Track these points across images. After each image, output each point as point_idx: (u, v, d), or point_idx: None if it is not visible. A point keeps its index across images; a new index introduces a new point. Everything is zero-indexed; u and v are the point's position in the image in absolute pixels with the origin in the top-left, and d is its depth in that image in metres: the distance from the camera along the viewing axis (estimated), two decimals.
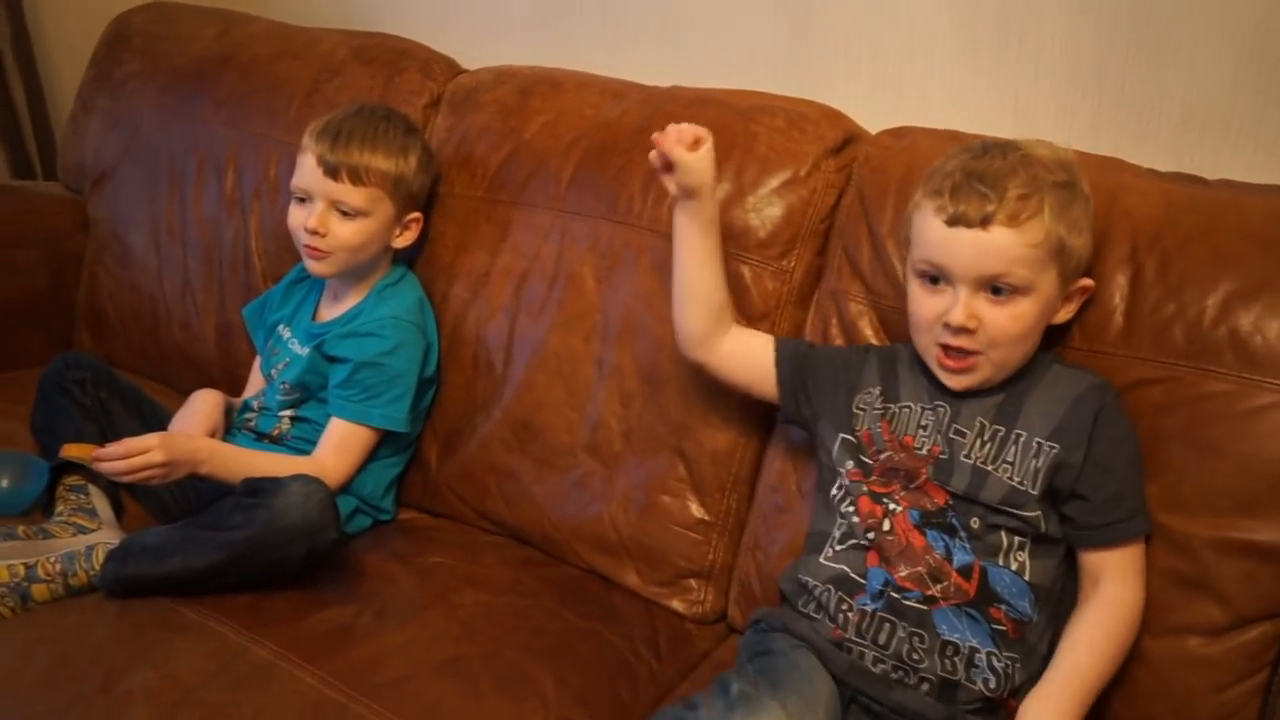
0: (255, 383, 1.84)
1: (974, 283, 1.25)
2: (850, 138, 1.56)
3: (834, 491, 1.34)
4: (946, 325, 1.26)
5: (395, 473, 1.72)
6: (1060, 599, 1.27)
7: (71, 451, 1.56)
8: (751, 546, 1.52)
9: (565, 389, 1.61)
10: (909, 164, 1.47)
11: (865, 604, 1.26)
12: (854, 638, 1.25)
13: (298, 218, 1.65)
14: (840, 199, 1.53)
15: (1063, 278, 1.26)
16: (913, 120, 1.58)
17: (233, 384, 1.89)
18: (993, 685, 1.21)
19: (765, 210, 1.52)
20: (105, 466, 1.47)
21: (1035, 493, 1.24)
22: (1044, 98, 1.60)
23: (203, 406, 1.69)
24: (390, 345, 1.64)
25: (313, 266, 1.66)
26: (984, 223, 1.23)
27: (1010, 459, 1.26)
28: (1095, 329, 1.32)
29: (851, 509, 1.31)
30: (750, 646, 1.31)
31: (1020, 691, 1.22)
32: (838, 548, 1.31)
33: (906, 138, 1.51)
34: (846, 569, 1.29)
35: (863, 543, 1.29)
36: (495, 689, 1.33)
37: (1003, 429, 1.28)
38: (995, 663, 1.22)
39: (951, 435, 1.29)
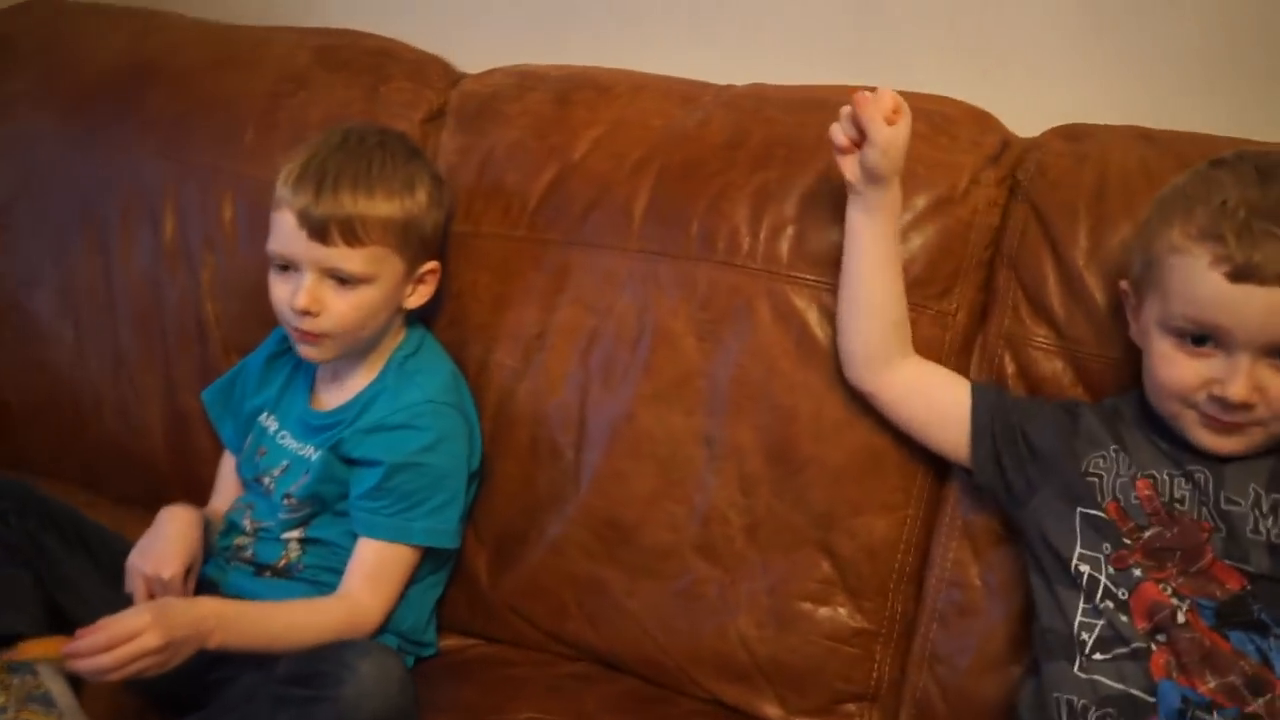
0: (227, 488, 1.43)
1: (1260, 349, 0.98)
2: (1006, 142, 1.26)
3: (1072, 581, 1.05)
4: (1216, 397, 0.99)
5: (438, 594, 1.35)
6: None
7: (33, 652, 1.15)
8: (928, 658, 1.22)
9: (662, 476, 1.27)
10: (1101, 174, 1.19)
11: None
12: None
13: (281, 292, 1.26)
14: (1005, 220, 1.23)
15: None
16: (1019, 110, 1.30)
17: (192, 488, 1.48)
18: None
19: (916, 239, 1.22)
20: (85, 665, 1.06)
21: None
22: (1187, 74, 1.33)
23: (177, 533, 1.28)
24: (430, 439, 1.27)
25: (306, 352, 1.28)
26: None
27: None
28: None
29: (1111, 604, 1.02)
30: None
31: None
32: (1098, 656, 1.02)
33: (1086, 139, 1.23)
34: (1123, 686, 1.00)
35: (1144, 646, 1.00)
36: None
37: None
38: None
39: (1224, 506, 1.02)
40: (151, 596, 1.22)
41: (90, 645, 1.06)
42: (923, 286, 1.21)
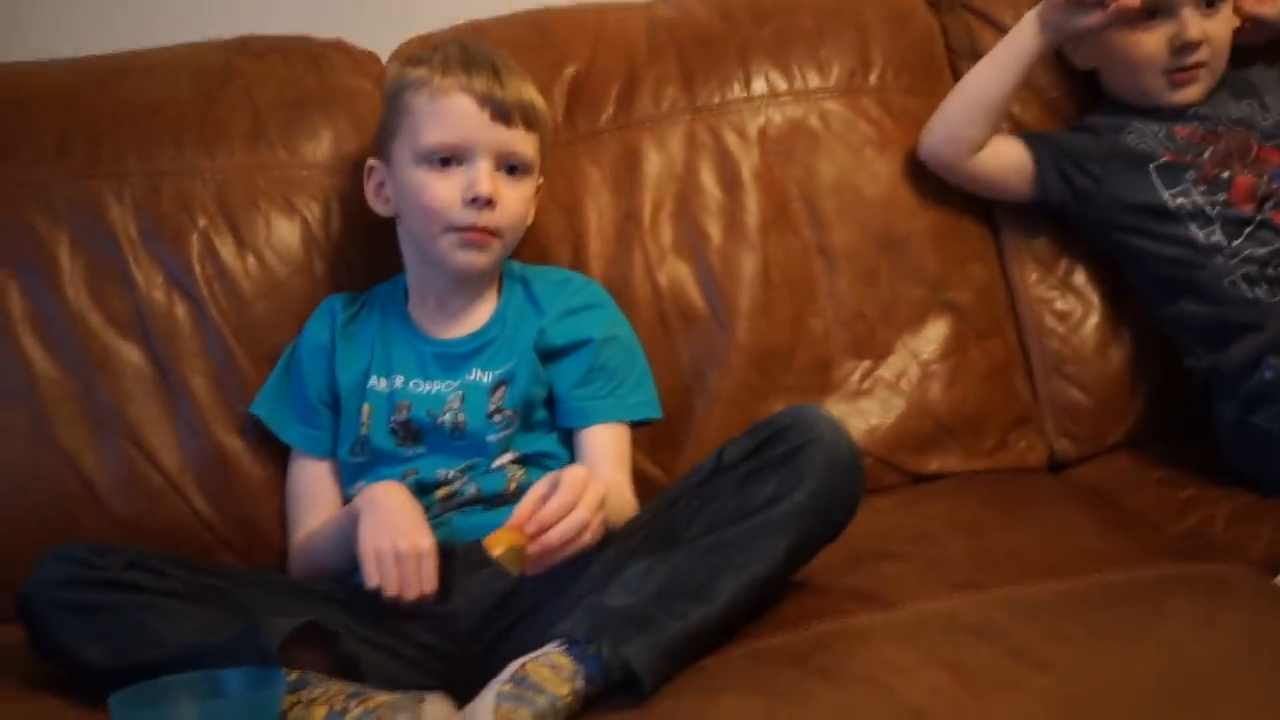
0: (327, 499, 1.22)
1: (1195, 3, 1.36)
2: None
3: (1175, 216, 1.32)
4: (1177, 48, 1.34)
5: None
6: None
7: (499, 546, 0.94)
8: (1054, 365, 1.42)
9: (797, 297, 1.37)
10: None
11: None
12: None
13: (445, 191, 1.15)
14: (945, 29, 1.51)
15: None
16: None
17: (254, 539, 1.26)
18: None
19: (903, 37, 1.47)
20: (561, 530, 0.95)
21: None
22: None
23: (403, 501, 1.10)
24: (612, 312, 1.26)
25: (472, 259, 1.18)
26: None
27: None
28: None
29: (1220, 208, 1.31)
30: None
31: None
32: (1235, 242, 1.30)
33: None
34: (1267, 248, 1.29)
35: (1264, 217, 1.30)
36: None
37: (1254, 100, 1.39)
38: None
39: (1235, 116, 1.36)
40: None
41: (561, 507, 0.94)
42: (927, 77, 1.46)
